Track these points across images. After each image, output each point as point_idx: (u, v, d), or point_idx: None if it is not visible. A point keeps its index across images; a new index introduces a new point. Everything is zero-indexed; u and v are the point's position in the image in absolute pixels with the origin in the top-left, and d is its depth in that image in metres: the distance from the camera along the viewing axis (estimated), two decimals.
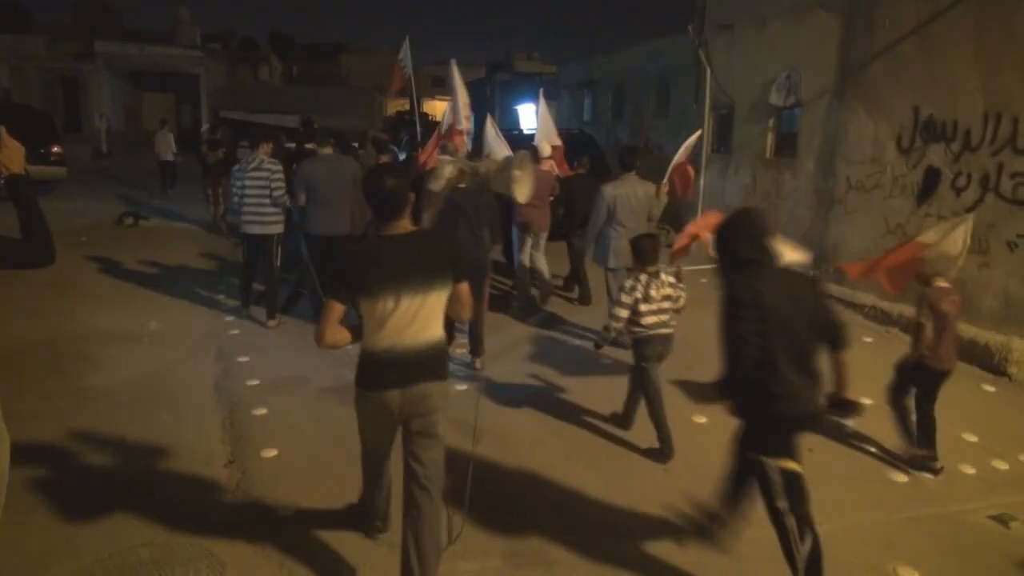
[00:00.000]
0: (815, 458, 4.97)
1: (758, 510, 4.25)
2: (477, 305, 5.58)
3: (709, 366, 6.79)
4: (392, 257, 3.12)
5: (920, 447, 4.88)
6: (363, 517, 3.91)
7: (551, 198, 8.43)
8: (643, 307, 4.85)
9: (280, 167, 7.45)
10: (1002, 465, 4.97)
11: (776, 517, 3.34)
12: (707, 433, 5.35)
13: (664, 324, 4.95)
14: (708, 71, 12.36)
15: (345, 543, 3.81)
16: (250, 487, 4.34)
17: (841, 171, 9.48)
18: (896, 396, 5.08)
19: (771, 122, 11.18)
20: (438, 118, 15.23)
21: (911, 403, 4.97)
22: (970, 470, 4.87)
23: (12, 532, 3.77)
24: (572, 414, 5.58)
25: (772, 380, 3.21)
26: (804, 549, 3.24)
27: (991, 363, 6.80)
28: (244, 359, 6.50)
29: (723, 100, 12.26)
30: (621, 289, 4.99)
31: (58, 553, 3.65)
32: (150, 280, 9.10)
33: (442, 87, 49.95)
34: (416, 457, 3.28)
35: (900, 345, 7.60)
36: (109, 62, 28.75)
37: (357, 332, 3.21)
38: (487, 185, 5.85)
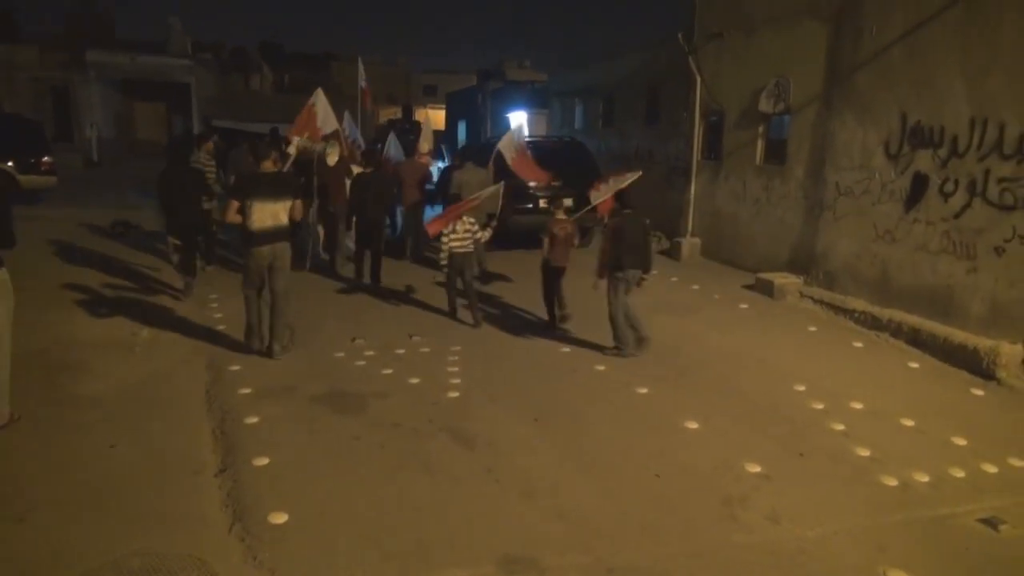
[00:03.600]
0: (806, 462, 5.01)
1: (747, 513, 4.28)
2: (376, 245, 9.63)
3: (700, 370, 6.86)
4: (261, 183, 6.50)
5: (562, 313, 7.90)
6: (247, 340, 6.79)
7: (428, 185, 11.95)
8: (453, 236, 7.90)
9: (213, 161, 10.45)
10: (991, 468, 4.99)
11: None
12: (698, 438, 5.37)
13: (464, 247, 7.97)
14: (698, 79, 12.44)
15: (337, 551, 3.81)
16: (242, 495, 4.32)
17: (830, 177, 9.54)
18: (546, 291, 7.92)
19: (761, 129, 11.24)
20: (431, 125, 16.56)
21: (554, 295, 7.89)
22: (960, 473, 4.89)
23: (0, 544, 3.76)
24: (563, 419, 5.59)
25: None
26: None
27: (980, 367, 6.85)
28: (235, 368, 6.48)
29: (713, 107, 12.33)
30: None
31: (47, 564, 3.62)
32: (142, 288, 9.07)
33: (433, 95, 50.19)
34: (274, 279, 6.57)
35: (890, 349, 7.67)
36: (100, 71, 28.63)
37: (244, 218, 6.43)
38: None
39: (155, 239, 12.54)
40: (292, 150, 9.49)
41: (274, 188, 6.50)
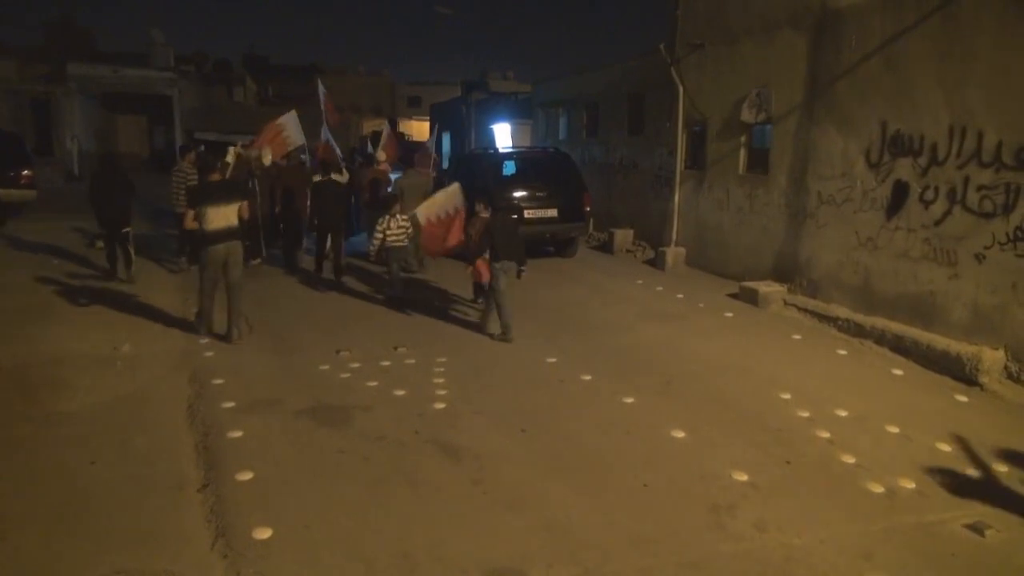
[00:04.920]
0: (793, 470, 5.02)
1: (735, 521, 4.28)
2: (338, 239, 10.66)
3: (686, 379, 6.87)
4: (213, 190, 7.48)
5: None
6: (197, 323, 7.74)
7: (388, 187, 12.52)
8: (388, 232, 8.94)
9: (194, 170, 10.88)
10: (976, 474, 5.02)
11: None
12: (685, 447, 5.36)
13: (399, 241, 9.06)
14: (680, 89, 12.52)
15: (322, 566, 3.76)
16: (225, 511, 4.27)
17: (812, 186, 9.61)
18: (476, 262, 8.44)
19: (743, 138, 11.32)
20: (414, 137, 17.54)
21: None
22: (945, 479, 4.91)
23: None
24: (550, 429, 5.57)
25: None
26: None
27: (963, 373, 6.89)
28: (219, 381, 6.42)
29: (695, 117, 12.41)
30: (379, 222, 9.12)
31: None
32: (123, 303, 8.98)
33: (417, 107, 50.24)
34: (229, 273, 7.45)
35: (874, 357, 7.71)
36: (81, 84, 28.47)
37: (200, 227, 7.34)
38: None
39: (136, 252, 12.45)
40: (230, 158, 10.97)
41: (223, 194, 7.46)
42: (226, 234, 7.33)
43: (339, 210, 10.88)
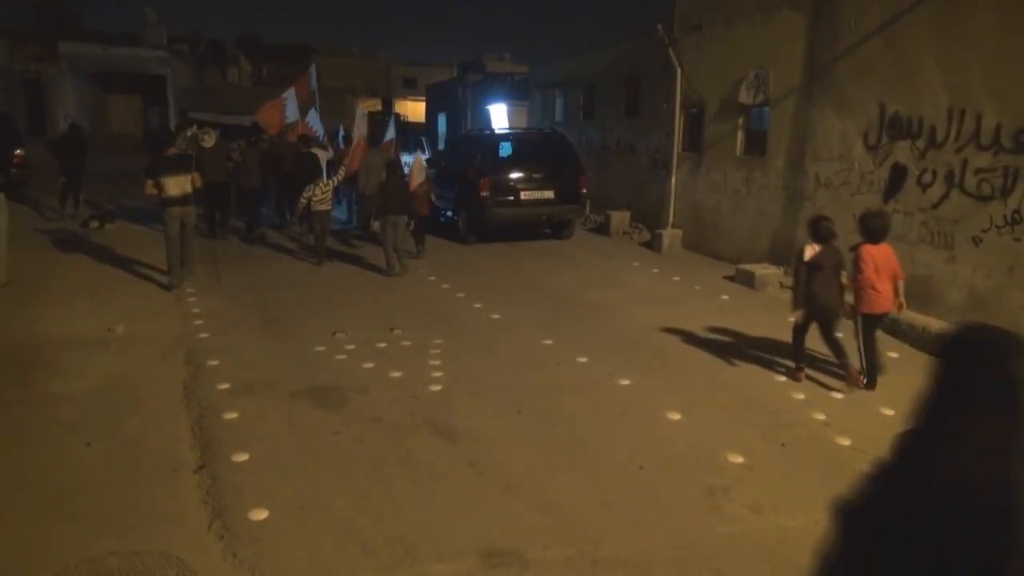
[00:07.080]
0: (788, 452, 5.02)
1: (730, 503, 4.29)
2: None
3: (682, 361, 6.85)
4: (169, 163, 8.80)
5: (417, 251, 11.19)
6: (169, 277, 8.76)
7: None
8: (314, 197, 10.56)
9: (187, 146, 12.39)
10: None
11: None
12: (681, 429, 5.37)
13: (325, 205, 10.71)
14: (678, 70, 12.43)
15: (318, 547, 3.76)
16: (221, 492, 4.26)
17: (810, 168, 9.58)
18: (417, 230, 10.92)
19: (740, 120, 11.26)
20: (409, 117, 18.12)
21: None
22: None
23: None
24: (546, 411, 5.57)
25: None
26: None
27: None
28: (214, 362, 6.40)
29: (693, 99, 12.33)
30: (306, 189, 10.67)
31: (22, 565, 3.55)
32: (117, 284, 8.94)
33: (413, 88, 49.92)
34: (184, 231, 8.82)
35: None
36: (73, 64, 28.20)
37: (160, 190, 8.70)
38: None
39: (130, 232, 12.38)
40: (190, 135, 12.83)
41: (177, 166, 8.83)
42: (182, 199, 8.72)
43: (313, 179, 12.06)
